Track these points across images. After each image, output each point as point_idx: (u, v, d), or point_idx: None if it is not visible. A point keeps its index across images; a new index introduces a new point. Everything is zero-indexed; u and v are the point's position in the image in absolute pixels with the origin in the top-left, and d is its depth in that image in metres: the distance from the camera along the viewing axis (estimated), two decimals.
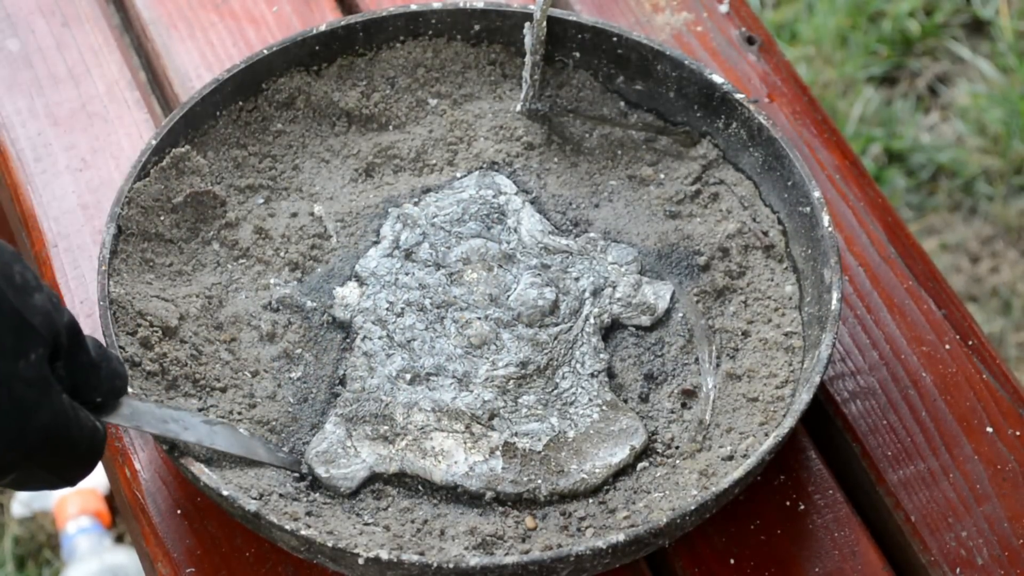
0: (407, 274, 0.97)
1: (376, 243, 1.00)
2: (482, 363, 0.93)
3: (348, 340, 0.95)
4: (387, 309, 0.95)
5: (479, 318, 0.95)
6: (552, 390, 0.93)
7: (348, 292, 0.97)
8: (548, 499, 0.90)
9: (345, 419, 0.92)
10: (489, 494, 0.89)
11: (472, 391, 0.92)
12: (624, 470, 0.91)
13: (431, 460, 0.90)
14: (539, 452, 0.90)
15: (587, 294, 0.97)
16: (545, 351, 0.94)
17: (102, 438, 0.78)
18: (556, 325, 0.95)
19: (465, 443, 0.90)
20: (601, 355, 0.95)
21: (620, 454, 0.91)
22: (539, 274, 0.97)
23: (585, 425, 0.92)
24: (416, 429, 0.91)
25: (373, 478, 0.90)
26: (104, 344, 0.83)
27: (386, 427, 0.91)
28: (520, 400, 0.92)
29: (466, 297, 0.96)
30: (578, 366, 0.94)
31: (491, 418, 0.91)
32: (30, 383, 0.72)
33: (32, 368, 0.72)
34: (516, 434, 0.91)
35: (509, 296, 0.96)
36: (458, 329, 0.94)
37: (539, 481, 0.90)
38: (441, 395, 0.92)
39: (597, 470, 0.90)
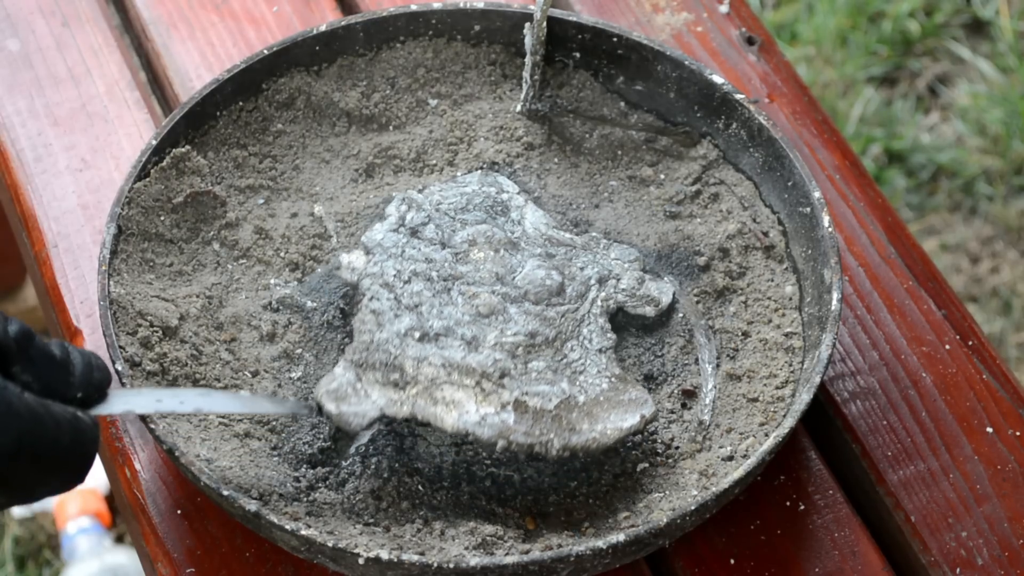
0: (413, 248, 0.96)
1: (382, 219, 0.99)
2: (490, 330, 0.92)
3: (355, 300, 0.94)
4: (394, 276, 0.94)
5: (487, 291, 0.94)
6: (561, 359, 0.92)
7: (354, 258, 0.96)
8: (560, 454, 0.88)
9: (355, 364, 0.91)
10: (501, 443, 0.88)
11: (481, 352, 0.91)
12: (624, 470, 0.92)
13: (442, 407, 0.89)
14: (550, 411, 0.89)
15: (593, 281, 0.97)
16: (553, 326, 0.93)
17: (89, 428, 0.77)
18: (563, 305, 0.95)
19: (476, 396, 0.89)
20: (608, 334, 0.94)
21: (631, 420, 0.90)
22: (545, 260, 0.97)
23: (595, 392, 0.91)
24: (426, 380, 0.90)
25: (377, 436, 0.90)
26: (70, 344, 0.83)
27: (396, 375, 0.90)
28: (530, 365, 0.91)
29: (472, 274, 0.95)
30: (586, 342, 0.93)
31: (501, 376, 0.90)
32: None
33: None
34: (527, 393, 0.90)
35: (515, 277, 0.95)
36: (466, 300, 0.93)
37: (551, 435, 0.88)
38: (451, 354, 0.91)
39: (609, 431, 0.89)
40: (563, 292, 0.95)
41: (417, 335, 0.91)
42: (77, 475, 0.77)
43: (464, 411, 0.89)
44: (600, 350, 0.93)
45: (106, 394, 0.82)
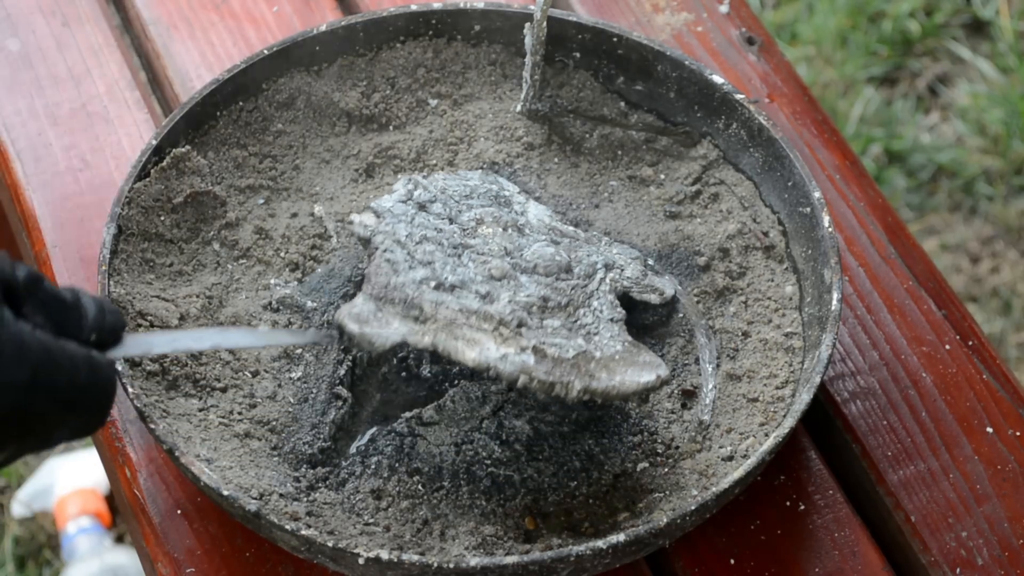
0: (423, 218, 0.95)
1: (389, 193, 0.98)
2: (504, 291, 0.91)
3: (368, 254, 0.93)
4: (406, 236, 0.93)
5: (497, 260, 0.93)
6: (575, 322, 0.92)
7: (366, 218, 0.95)
8: (580, 396, 0.87)
9: (374, 298, 0.89)
10: (523, 379, 0.86)
11: (498, 304, 0.90)
12: (624, 470, 0.91)
13: (463, 343, 0.88)
14: (569, 359, 0.88)
15: (599, 266, 0.96)
16: (564, 294, 0.92)
17: (106, 366, 0.75)
18: (572, 280, 0.94)
19: (495, 339, 0.88)
20: (618, 309, 0.94)
21: (647, 376, 0.89)
22: (551, 244, 0.96)
23: (610, 352, 0.90)
24: (445, 320, 0.88)
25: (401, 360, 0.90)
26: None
27: (415, 312, 0.89)
28: (545, 322, 0.91)
29: (482, 246, 0.94)
30: (597, 312, 0.93)
31: (519, 326, 0.89)
32: None
33: None
34: (544, 343, 0.89)
35: (523, 253, 0.95)
36: (477, 264, 0.92)
37: (572, 378, 0.88)
38: (467, 302, 0.90)
39: (627, 383, 0.88)
40: (571, 271, 0.94)
41: (433, 284, 0.90)
42: (96, 416, 0.74)
43: (485, 348, 0.87)
44: (611, 319, 0.92)
45: (121, 337, 0.79)
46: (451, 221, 0.95)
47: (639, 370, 0.89)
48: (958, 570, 0.92)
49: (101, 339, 0.77)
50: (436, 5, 1.07)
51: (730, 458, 0.91)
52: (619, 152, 1.06)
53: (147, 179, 0.99)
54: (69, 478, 1.69)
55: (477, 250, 0.93)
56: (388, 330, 0.87)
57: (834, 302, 0.92)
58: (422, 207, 0.96)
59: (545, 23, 1.05)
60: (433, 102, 1.08)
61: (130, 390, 0.88)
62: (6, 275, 0.72)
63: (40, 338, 0.71)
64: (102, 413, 0.74)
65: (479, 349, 0.87)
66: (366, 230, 0.94)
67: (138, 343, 0.80)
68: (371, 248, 0.92)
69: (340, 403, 0.94)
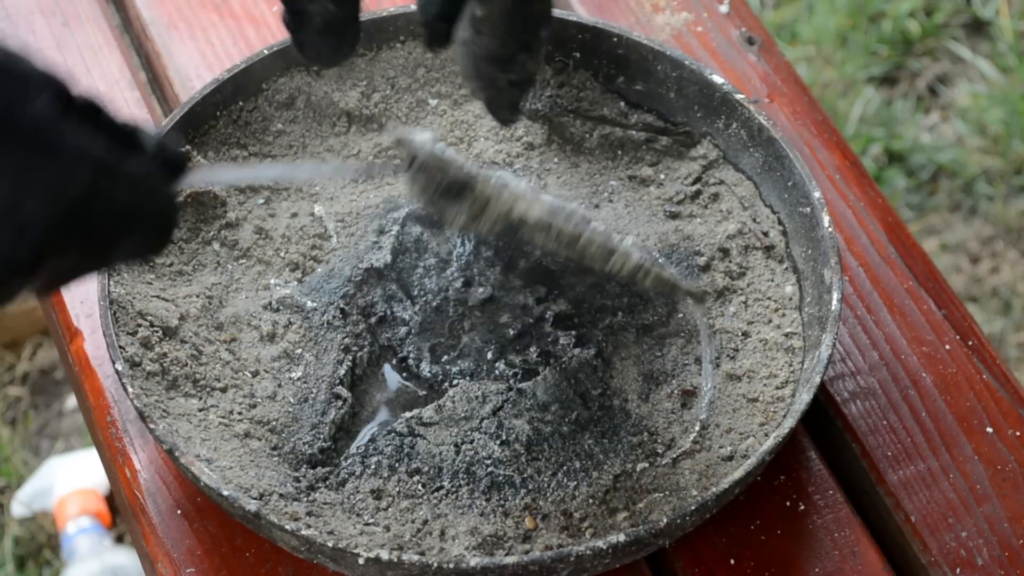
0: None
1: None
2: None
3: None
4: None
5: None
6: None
7: (425, 135, 0.92)
8: (634, 272, 0.86)
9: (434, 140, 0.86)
10: (586, 235, 0.85)
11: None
12: (624, 470, 0.91)
13: (524, 202, 0.85)
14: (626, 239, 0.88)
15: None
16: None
17: (168, 185, 0.72)
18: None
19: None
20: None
21: (690, 283, 0.88)
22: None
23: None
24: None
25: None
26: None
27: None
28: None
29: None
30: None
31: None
32: (44, 119, 0.68)
33: (44, 108, 0.69)
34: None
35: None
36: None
37: (631, 249, 0.87)
38: (519, 187, 0.86)
39: (677, 277, 0.89)
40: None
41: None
42: (157, 238, 0.71)
43: (545, 204, 0.85)
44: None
45: (184, 169, 0.76)
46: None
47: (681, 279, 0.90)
48: (958, 570, 0.92)
49: (162, 167, 0.73)
50: None
51: (730, 458, 0.91)
52: (619, 152, 1.06)
53: None
54: (69, 478, 1.69)
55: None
56: (457, 158, 0.83)
57: (834, 302, 0.92)
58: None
59: None
60: (433, 102, 1.08)
61: (130, 390, 0.88)
62: (69, 93, 0.69)
63: (102, 147, 0.68)
64: (163, 235, 0.71)
65: (540, 206, 0.85)
66: (424, 145, 0.88)
67: (202, 175, 0.78)
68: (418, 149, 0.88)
69: (340, 403, 0.94)
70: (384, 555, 0.82)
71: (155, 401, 0.90)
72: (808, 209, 0.98)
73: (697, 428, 0.94)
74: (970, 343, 1.00)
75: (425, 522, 0.89)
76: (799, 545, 0.92)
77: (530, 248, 0.97)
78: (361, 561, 0.83)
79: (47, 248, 0.64)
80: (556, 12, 1.06)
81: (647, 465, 0.92)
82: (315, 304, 0.98)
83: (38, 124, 0.65)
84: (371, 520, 0.89)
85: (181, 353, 0.93)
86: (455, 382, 0.95)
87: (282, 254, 1.01)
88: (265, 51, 1.04)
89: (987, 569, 0.91)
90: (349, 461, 0.92)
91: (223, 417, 0.92)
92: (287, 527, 0.83)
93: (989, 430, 0.96)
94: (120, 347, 0.91)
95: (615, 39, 1.06)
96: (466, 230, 0.96)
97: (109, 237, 0.68)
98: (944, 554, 0.92)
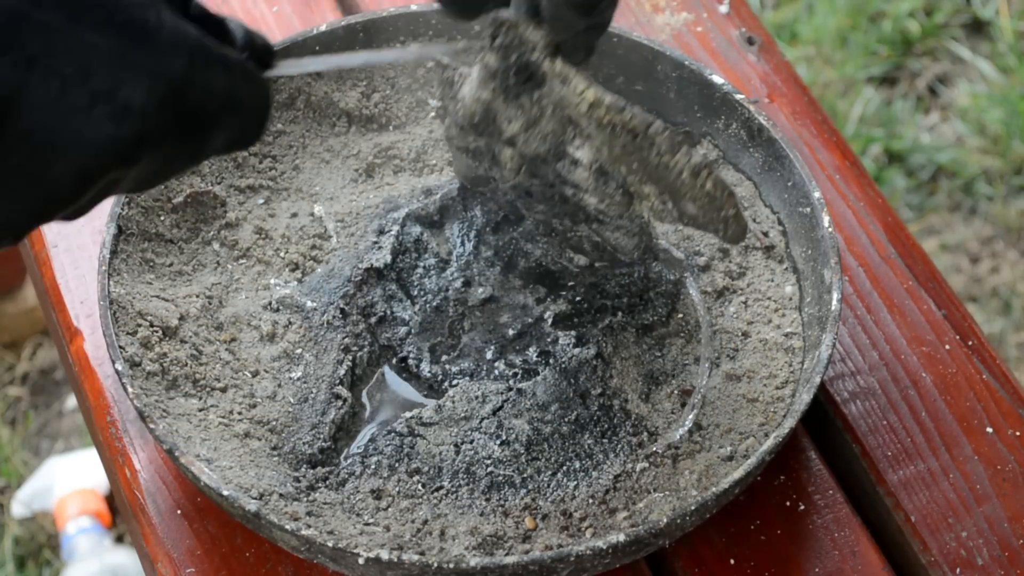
0: None
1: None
2: None
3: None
4: None
5: None
6: None
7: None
8: (655, 205, 0.86)
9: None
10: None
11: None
12: (624, 470, 0.91)
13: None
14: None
15: None
16: None
17: (260, 75, 0.71)
18: None
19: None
20: None
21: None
22: None
23: None
24: None
25: None
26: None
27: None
28: None
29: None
30: None
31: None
32: (140, 5, 0.65)
33: None
34: None
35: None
36: None
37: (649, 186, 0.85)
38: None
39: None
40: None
41: None
42: (251, 126, 0.71)
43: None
44: None
45: (272, 59, 0.76)
46: None
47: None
48: (958, 570, 0.92)
49: (252, 57, 0.74)
50: (436, 5, 1.07)
51: (730, 458, 0.91)
52: None
53: None
54: (69, 478, 1.69)
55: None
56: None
57: (834, 302, 0.92)
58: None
59: None
60: (433, 102, 1.08)
61: (130, 390, 0.88)
62: None
63: (197, 33, 0.68)
64: (257, 123, 0.71)
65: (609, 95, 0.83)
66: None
67: (290, 64, 0.78)
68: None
69: (340, 403, 0.94)
70: (384, 555, 0.82)
71: (155, 401, 0.90)
72: (808, 209, 0.98)
73: (688, 425, 0.93)
74: (970, 343, 1.00)
75: (425, 522, 0.89)
76: (799, 545, 0.92)
77: (570, 173, 0.89)
78: (361, 561, 0.83)
79: (147, 133, 0.64)
80: None
81: (647, 465, 0.92)
82: (315, 304, 0.98)
83: (134, 11, 0.65)
84: (371, 520, 0.89)
85: (181, 353, 0.93)
86: (455, 382, 0.95)
87: (282, 254, 1.01)
88: None
89: (987, 569, 0.91)
90: (349, 461, 0.92)
91: (223, 417, 0.92)
92: (287, 527, 0.83)
93: (989, 430, 0.96)
94: (120, 347, 0.91)
95: (615, 39, 1.06)
96: (503, 157, 0.90)
97: (205, 124, 0.68)
98: (944, 554, 0.92)
